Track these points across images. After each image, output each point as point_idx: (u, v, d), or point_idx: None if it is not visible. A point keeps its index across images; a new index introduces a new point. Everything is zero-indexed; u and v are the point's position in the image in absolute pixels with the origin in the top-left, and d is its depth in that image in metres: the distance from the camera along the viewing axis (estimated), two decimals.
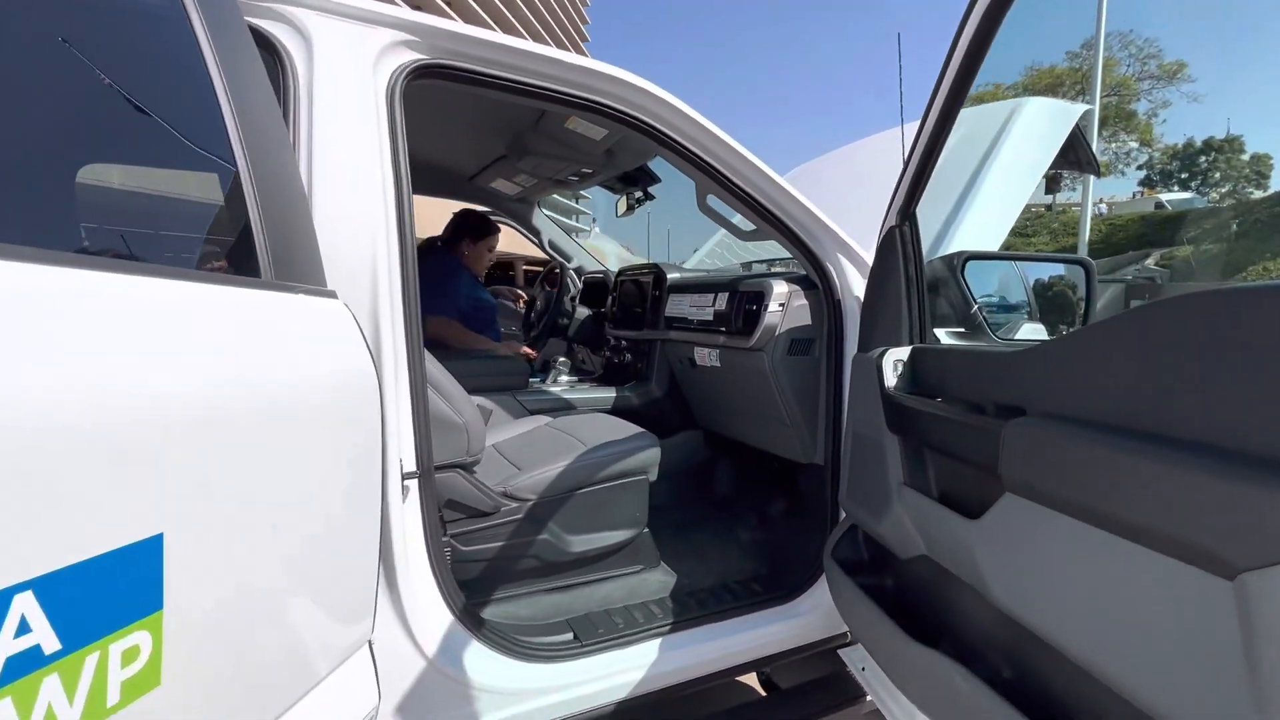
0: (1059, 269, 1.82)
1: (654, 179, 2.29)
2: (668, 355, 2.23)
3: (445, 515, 1.40)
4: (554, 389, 2.26)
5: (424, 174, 2.73)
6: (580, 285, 3.13)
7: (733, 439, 2.17)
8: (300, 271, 0.97)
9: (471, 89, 1.31)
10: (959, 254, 1.45)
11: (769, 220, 1.62)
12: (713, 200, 1.72)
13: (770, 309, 1.69)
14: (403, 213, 1.18)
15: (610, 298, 2.66)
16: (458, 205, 3.17)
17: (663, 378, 2.27)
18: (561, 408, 2.15)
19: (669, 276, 2.23)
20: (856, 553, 1.48)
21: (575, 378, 2.58)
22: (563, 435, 1.78)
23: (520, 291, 4.81)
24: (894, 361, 1.37)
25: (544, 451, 1.67)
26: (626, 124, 1.44)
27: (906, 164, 1.36)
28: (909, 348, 1.38)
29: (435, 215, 3.09)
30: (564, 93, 1.35)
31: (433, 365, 1.34)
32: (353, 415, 0.95)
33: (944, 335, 1.49)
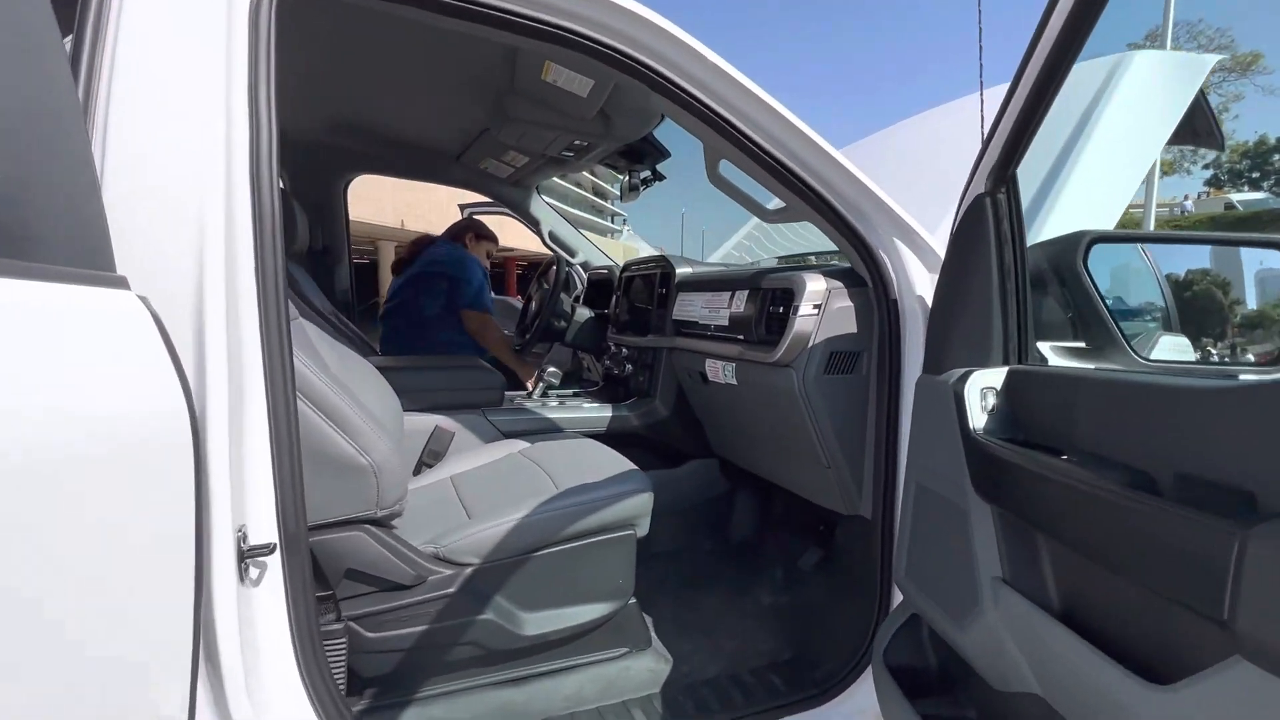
0: (1198, 258, 1.34)
1: (662, 153, 1.89)
2: (675, 367, 1.83)
3: (344, 591, 1.03)
4: (537, 406, 1.89)
5: (406, 155, 2.40)
6: (584, 283, 2.75)
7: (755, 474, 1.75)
8: (49, 244, 0.61)
9: (380, 4, 0.93)
10: (1080, 235, 1.02)
11: (803, 194, 1.21)
12: (727, 169, 1.32)
13: (802, 312, 1.27)
14: (260, 174, 0.81)
15: (614, 297, 2.28)
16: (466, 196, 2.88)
17: (669, 394, 1.87)
18: (543, 430, 1.77)
19: (678, 271, 1.83)
20: (920, 658, 1.05)
21: (571, 390, 2.19)
22: (533, 469, 1.40)
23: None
24: (982, 390, 0.95)
25: (504, 492, 1.29)
26: (609, 61, 1.05)
27: (1005, 107, 0.94)
28: (1004, 369, 0.96)
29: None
30: (515, 13, 0.97)
31: (325, 383, 0.97)
32: (135, 469, 0.59)
33: (1049, 352, 1.06)
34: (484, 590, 1.12)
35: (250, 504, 0.79)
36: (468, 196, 2.91)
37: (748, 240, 2.89)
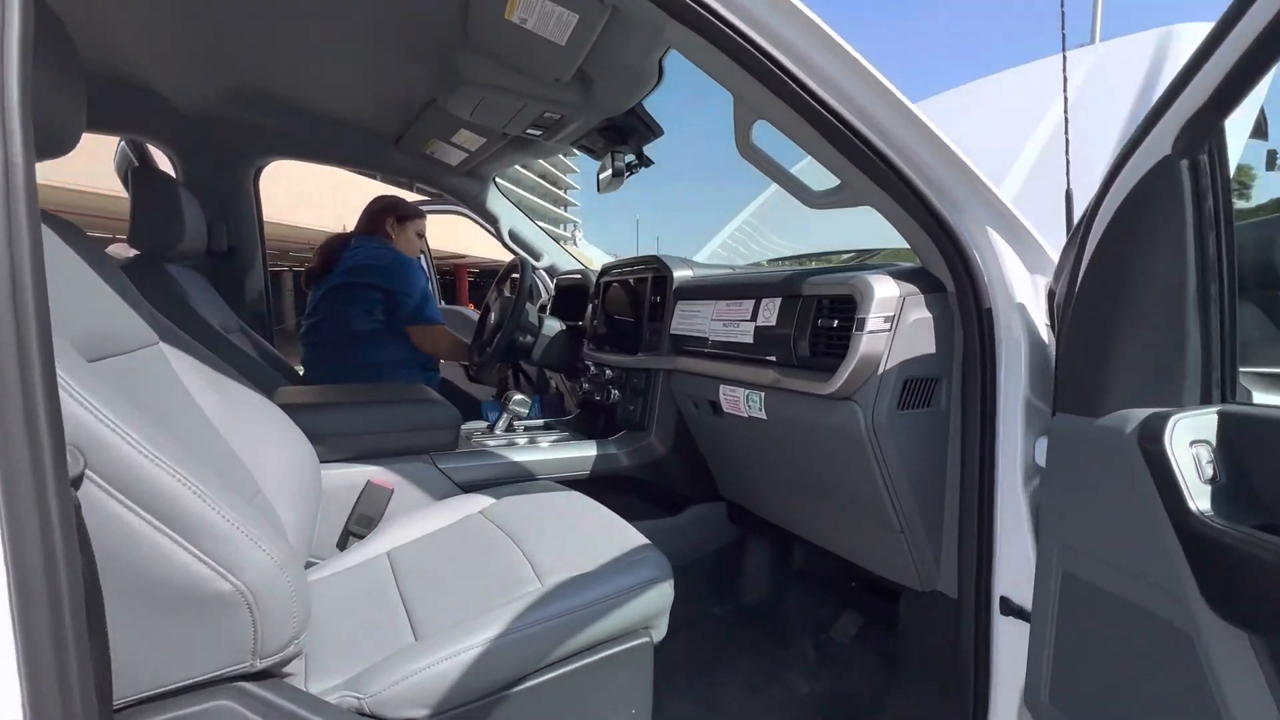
0: None
1: (651, 130, 1.55)
2: (674, 393, 1.49)
3: None
4: (501, 445, 1.51)
5: (331, 135, 1.96)
6: (551, 291, 2.38)
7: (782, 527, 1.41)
8: None
9: None
10: None
11: (874, 169, 0.89)
12: (763, 134, 0.98)
13: (870, 326, 0.95)
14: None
15: (591, 306, 1.91)
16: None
17: (667, 426, 1.52)
18: (511, 478, 1.39)
19: (676, 275, 1.49)
20: None
21: (541, 421, 1.82)
22: (502, 543, 1.03)
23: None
24: (1191, 441, 0.63)
25: (463, 587, 0.91)
26: None
27: (1227, 27, 0.63)
28: (1211, 412, 0.65)
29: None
30: None
31: (160, 463, 0.58)
32: None
33: (1246, 382, 0.76)
34: None
35: None
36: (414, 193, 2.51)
37: (742, 233, 2.56)
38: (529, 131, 1.62)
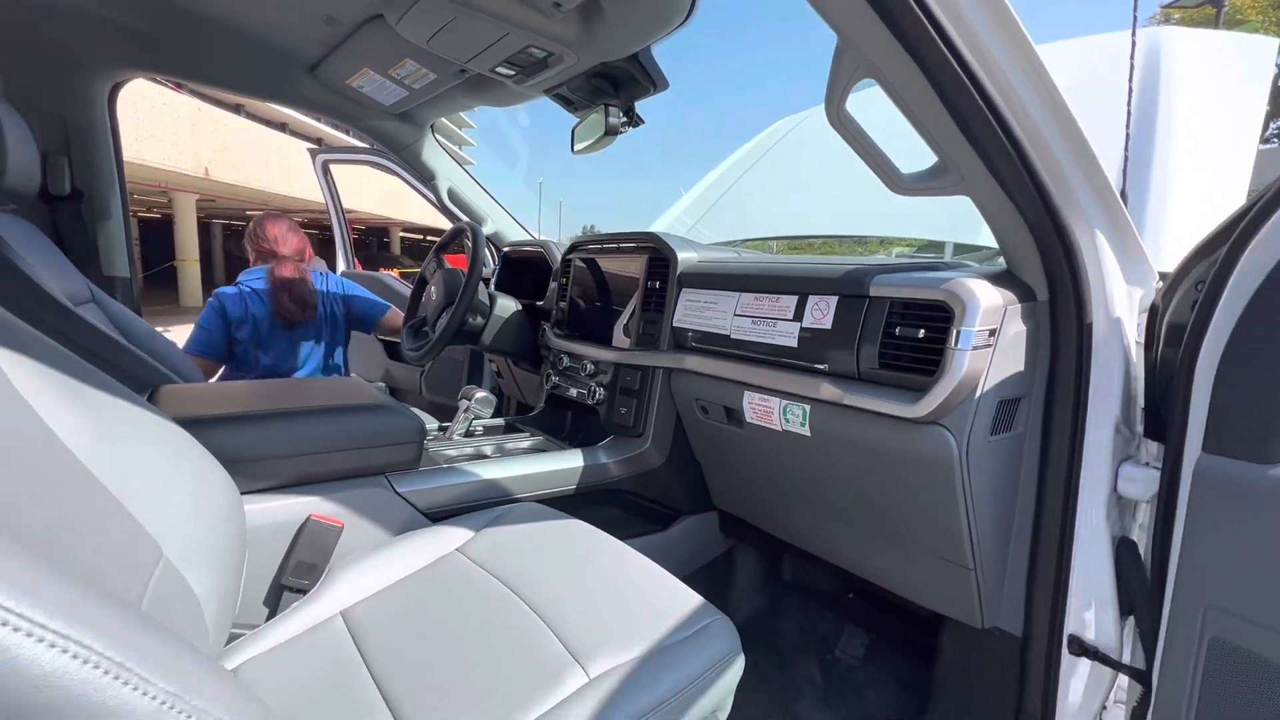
0: None
1: (653, 83, 1.31)
2: (674, 394, 1.29)
3: None
4: (468, 458, 1.24)
5: (220, 51, 1.52)
6: (498, 262, 2.08)
7: (803, 549, 1.27)
8: None
9: None
10: None
11: (991, 147, 0.75)
12: (863, 103, 0.79)
13: (974, 341, 0.81)
14: None
15: (555, 286, 1.66)
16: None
17: (665, 432, 1.32)
18: (485, 500, 1.14)
19: (680, 257, 1.28)
20: None
21: (499, 423, 1.56)
22: (500, 600, 0.80)
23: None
24: None
25: (464, 672, 0.68)
26: None
27: None
28: None
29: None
30: None
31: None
32: None
33: None
34: None
35: None
36: (296, 127, 2.06)
37: (687, 219, 2.38)
38: (498, 70, 1.32)
